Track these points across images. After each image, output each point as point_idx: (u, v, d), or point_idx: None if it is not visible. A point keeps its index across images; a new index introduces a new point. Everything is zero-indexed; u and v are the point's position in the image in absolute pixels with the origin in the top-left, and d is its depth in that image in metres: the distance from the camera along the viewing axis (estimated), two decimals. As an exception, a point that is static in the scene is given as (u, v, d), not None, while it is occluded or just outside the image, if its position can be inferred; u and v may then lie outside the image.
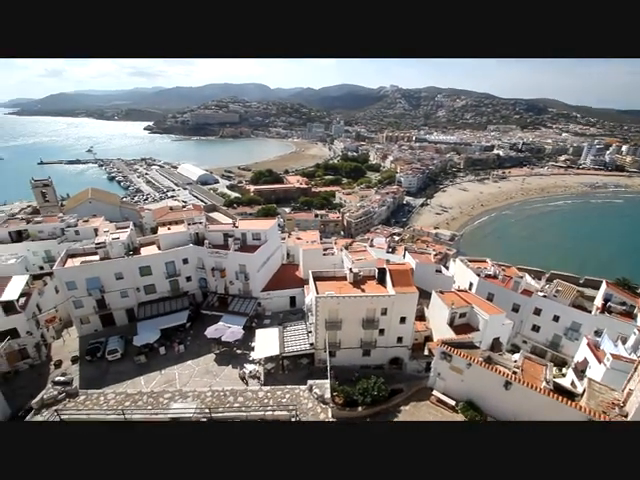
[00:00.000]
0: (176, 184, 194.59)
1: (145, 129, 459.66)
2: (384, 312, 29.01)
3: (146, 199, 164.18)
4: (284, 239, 52.15)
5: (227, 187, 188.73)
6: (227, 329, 34.04)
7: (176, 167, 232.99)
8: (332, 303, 28.54)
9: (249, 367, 30.81)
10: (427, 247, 69.75)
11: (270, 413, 21.35)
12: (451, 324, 29.19)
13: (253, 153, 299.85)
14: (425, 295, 32.54)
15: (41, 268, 44.72)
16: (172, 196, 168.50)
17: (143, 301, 37.40)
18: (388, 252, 48.18)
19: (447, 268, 44.90)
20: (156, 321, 35.54)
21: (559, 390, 19.32)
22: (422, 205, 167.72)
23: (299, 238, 52.82)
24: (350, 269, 31.95)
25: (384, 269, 31.21)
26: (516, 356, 24.76)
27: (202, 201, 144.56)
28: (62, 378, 25.34)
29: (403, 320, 29.49)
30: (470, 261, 43.87)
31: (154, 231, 50.37)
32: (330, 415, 21.37)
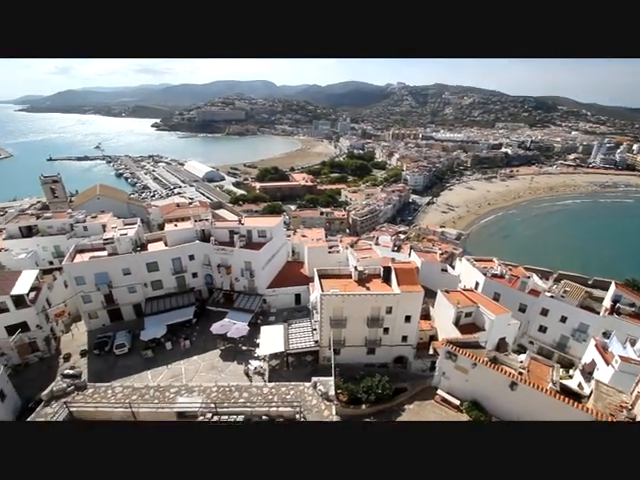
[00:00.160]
0: (183, 181, 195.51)
1: (152, 126, 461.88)
2: (389, 311, 28.97)
3: (153, 196, 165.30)
4: (289, 236, 52.20)
5: (233, 184, 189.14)
6: (232, 325, 34.32)
7: (183, 164, 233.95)
8: (337, 301, 28.58)
9: (254, 363, 31.07)
10: (433, 246, 69.50)
11: (275, 409, 21.53)
12: (457, 323, 29.08)
13: (259, 150, 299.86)
14: (430, 294, 32.44)
15: (50, 263, 45.45)
16: (179, 193, 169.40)
17: (150, 296, 37.87)
18: (394, 250, 48.10)
19: (453, 267, 44.68)
20: (163, 316, 35.96)
21: (566, 392, 19.13)
22: (428, 203, 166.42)
23: (304, 236, 52.88)
24: (355, 267, 31.98)
25: (389, 267, 31.16)
26: (522, 357, 24.61)
27: (208, 198, 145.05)
28: (71, 371, 25.92)
29: (408, 319, 29.42)
30: (476, 260, 43.53)
31: (161, 227, 50.83)
32: (334, 412, 21.47)
